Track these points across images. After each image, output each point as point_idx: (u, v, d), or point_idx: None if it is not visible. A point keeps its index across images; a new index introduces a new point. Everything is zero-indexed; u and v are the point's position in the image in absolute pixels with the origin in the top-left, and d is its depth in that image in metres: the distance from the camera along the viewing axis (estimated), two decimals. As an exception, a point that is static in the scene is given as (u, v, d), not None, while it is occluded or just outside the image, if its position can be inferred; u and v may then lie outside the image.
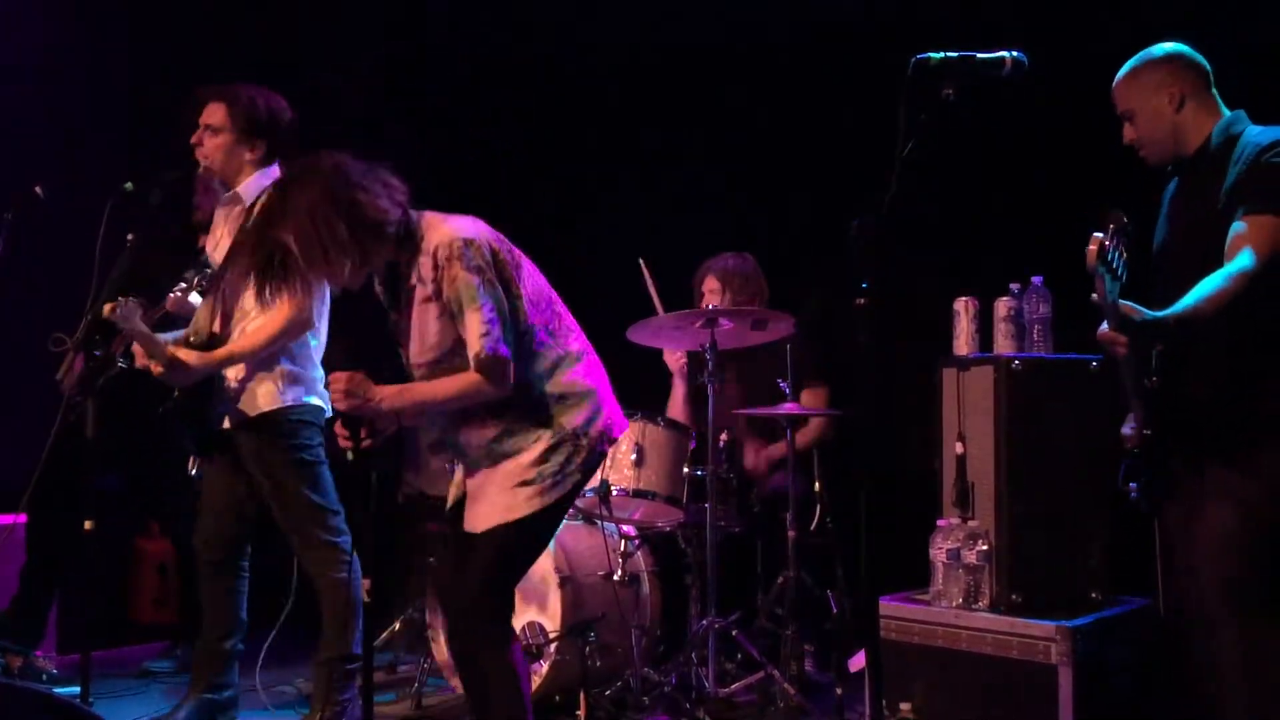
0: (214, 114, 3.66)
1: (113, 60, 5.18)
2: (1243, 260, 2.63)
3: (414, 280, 2.85)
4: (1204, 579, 2.80)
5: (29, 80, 5.00)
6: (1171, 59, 2.92)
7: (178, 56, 5.21)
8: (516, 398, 2.86)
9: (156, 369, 3.41)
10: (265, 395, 3.60)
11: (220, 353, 3.53)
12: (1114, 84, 2.99)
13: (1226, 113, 2.90)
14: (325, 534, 3.62)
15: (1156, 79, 2.90)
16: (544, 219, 5.94)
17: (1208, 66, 2.93)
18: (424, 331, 2.86)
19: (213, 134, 3.67)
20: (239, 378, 3.61)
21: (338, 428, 2.90)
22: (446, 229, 2.83)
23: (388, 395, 2.82)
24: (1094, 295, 2.51)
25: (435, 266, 2.80)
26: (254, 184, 3.66)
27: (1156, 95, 2.90)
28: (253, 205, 3.58)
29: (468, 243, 2.80)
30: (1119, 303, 2.51)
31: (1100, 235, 2.42)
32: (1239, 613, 2.74)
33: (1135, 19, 4.13)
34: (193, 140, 3.69)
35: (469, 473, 2.99)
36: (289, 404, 3.61)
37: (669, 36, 5.45)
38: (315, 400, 3.67)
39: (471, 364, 2.79)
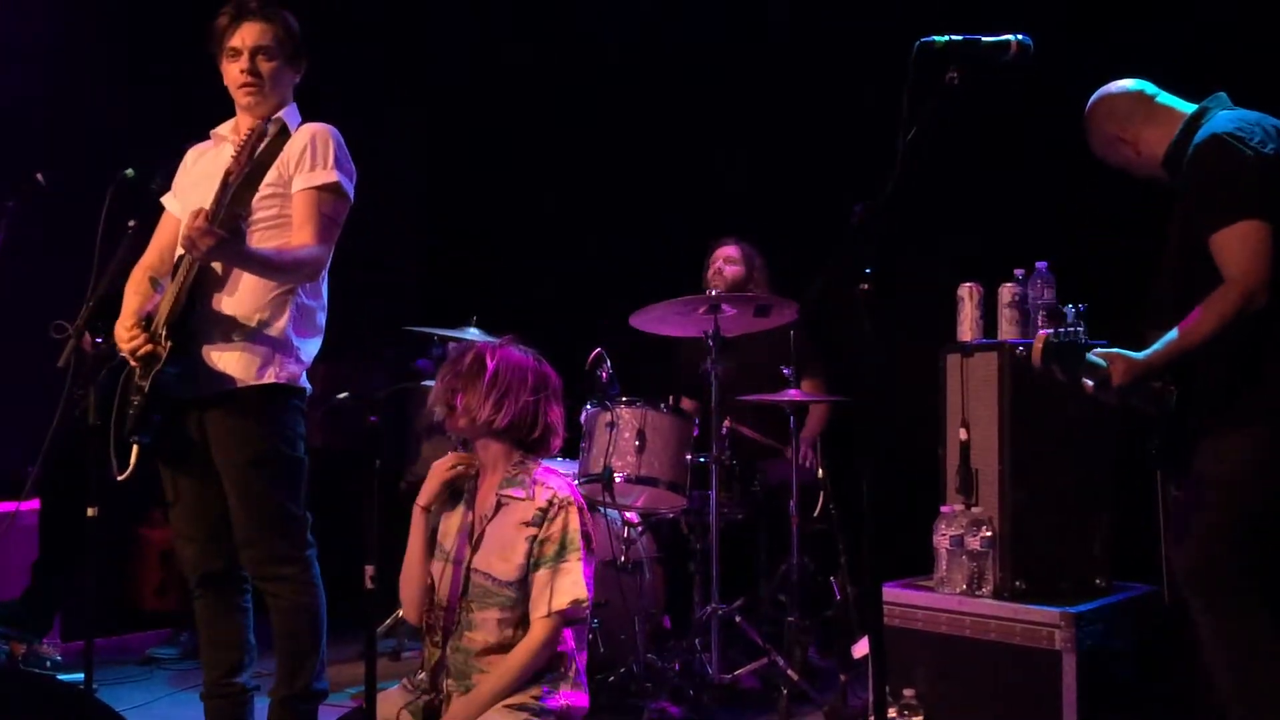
0: (260, 35, 3.07)
1: (114, 46, 5.17)
2: (1220, 293, 2.62)
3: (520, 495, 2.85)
4: (1178, 564, 2.79)
5: (31, 64, 4.99)
6: (1098, 104, 2.98)
7: (178, 43, 5.20)
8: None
9: None
10: None
11: None
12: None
13: (1188, 109, 2.88)
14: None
15: (1104, 133, 2.97)
16: (550, 204, 5.95)
17: (1141, 85, 2.95)
18: (507, 550, 2.80)
19: (266, 57, 3.08)
20: None
21: None
22: (565, 482, 2.88)
23: None
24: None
25: (550, 505, 2.80)
26: (293, 115, 3.16)
27: (1112, 148, 2.97)
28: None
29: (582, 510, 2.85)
30: (1100, 366, 2.67)
31: (1046, 333, 2.63)
32: (1211, 599, 2.72)
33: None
34: (238, 69, 3.08)
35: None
36: None
37: (672, 19, 5.43)
38: None
39: (551, 616, 2.73)
